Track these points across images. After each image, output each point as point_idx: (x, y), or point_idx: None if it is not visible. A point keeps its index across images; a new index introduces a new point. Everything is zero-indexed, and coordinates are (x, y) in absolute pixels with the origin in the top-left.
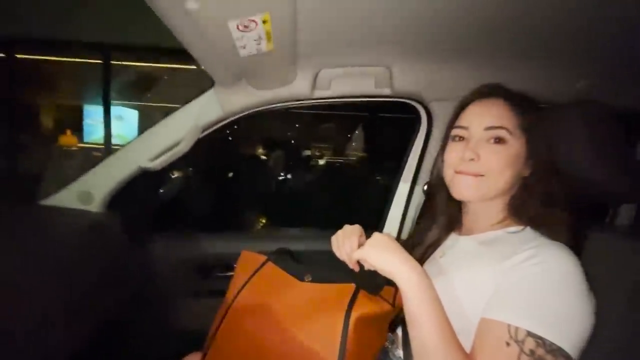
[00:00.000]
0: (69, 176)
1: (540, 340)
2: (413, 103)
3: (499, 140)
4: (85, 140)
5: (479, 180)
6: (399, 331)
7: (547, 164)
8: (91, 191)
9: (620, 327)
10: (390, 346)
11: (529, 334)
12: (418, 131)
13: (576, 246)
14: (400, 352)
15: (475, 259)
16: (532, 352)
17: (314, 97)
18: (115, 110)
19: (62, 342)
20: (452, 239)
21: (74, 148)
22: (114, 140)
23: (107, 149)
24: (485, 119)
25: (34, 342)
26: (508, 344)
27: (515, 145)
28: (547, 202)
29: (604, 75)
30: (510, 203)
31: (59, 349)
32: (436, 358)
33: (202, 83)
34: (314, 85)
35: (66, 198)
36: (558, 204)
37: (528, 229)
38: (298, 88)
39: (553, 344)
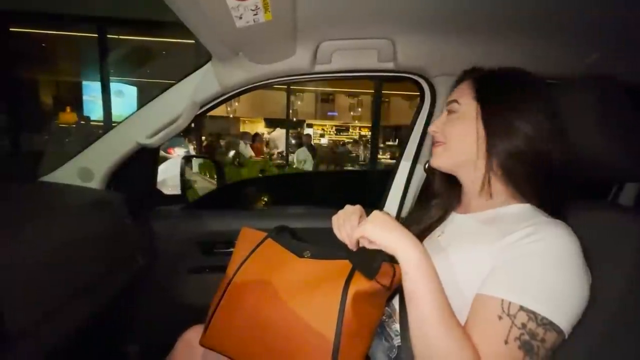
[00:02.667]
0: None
1: (532, 315)
2: (417, 78)
3: (450, 111)
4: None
5: (442, 147)
6: (395, 303)
7: (507, 131)
8: (91, 167)
9: (618, 302)
10: (387, 320)
11: (522, 308)
12: (421, 108)
13: (573, 221)
14: (397, 327)
15: (474, 237)
16: (523, 326)
17: (315, 71)
18: (114, 86)
19: (66, 319)
20: (452, 217)
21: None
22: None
23: (107, 125)
24: (450, 96)
25: (37, 321)
26: (500, 317)
27: (465, 111)
28: (546, 181)
29: (615, 49)
30: (508, 181)
31: (62, 326)
32: (435, 336)
33: (202, 59)
34: (314, 60)
35: (66, 175)
36: (558, 182)
37: (528, 206)
38: (298, 62)
39: (545, 318)
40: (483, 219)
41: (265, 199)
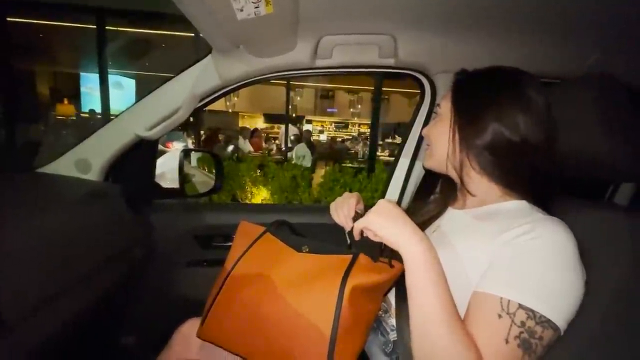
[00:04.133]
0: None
1: (531, 312)
2: (417, 75)
3: (434, 116)
4: (84, 109)
5: (428, 150)
6: (392, 298)
7: (476, 127)
8: (89, 159)
9: (612, 300)
10: (383, 315)
11: (521, 306)
12: (421, 105)
13: (569, 219)
14: (393, 321)
15: (470, 233)
16: (522, 324)
17: (315, 66)
18: (112, 78)
19: (62, 309)
20: (448, 213)
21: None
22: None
23: (105, 117)
24: None
25: (33, 311)
26: (500, 316)
27: (443, 115)
28: (530, 174)
29: (616, 49)
30: (491, 177)
31: (58, 317)
32: (438, 335)
33: (201, 52)
34: (315, 54)
35: (64, 166)
36: (544, 176)
37: (524, 203)
38: (298, 56)
39: (543, 316)
40: (478, 214)
41: None
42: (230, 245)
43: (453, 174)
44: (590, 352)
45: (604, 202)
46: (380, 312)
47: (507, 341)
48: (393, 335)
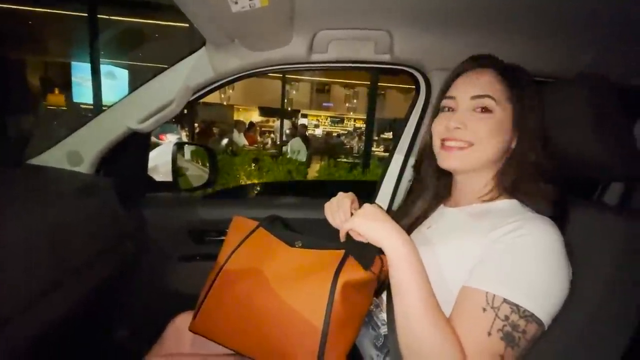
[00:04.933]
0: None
1: (515, 307)
2: (412, 71)
3: (485, 109)
4: (75, 100)
5: (466, 151)
6: (384, 296)
7: (534, 136)
8: (80, 151)
9: (597, 298)
10: (374, 309)
11: (505, 301)
12: (416, 101)
13: (561, 219)
14: (384, 316)
15: (462, 230)
16: (506, 318)
17: (311, 61)
18: (105, 68)
19: (55, 305)
20: (440, 210)
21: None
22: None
23: (97, 108)
24: (472, 88)
25: (24, 305)
26: (484, 309)
27: (501, 114)
28: (534, 176)
29: (609, 49)
30: (497, 176)
31: (50, 310)
32: (420, 328)
33: (196, 43)
34: (310, 49)
35: (54, 158)
36: (546, 178)
37: (515, 201)
38: (294, 50)
39: (527, 310)
40: (472, 213)
41: None
42: (223, 240)
43: (474, 175)
44: (577, 348)
45: (594, 201)
46: (372, 307)
47: (489, 334)
48: (384, 330)
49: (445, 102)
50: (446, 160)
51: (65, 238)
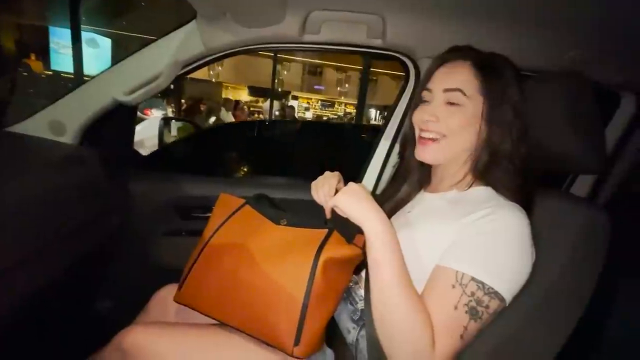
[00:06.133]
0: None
1: (481, 284)
2: (403, 58)
3: (455, 103)
4: (53, 67)
5: (439, 143)
6: (364, 273)
7: (507, 128)
8: (63, 121)
9: (554, 279)
10: (353, 286)
11: (473, 279)
12: (405, 88)
13: (529, 207)
14: (362, 292)
15: (439, 215)
16: (472, 294)
17: (303, 41)
18: (86, 35)
19: (33, 276)
20: (420, 195)
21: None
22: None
23: (78, 76)
24: (445, 81)
25: (6, 280)
26: (453, 286)
27: (472, 108)
28: (507, 166)
29: (588, 49)
30: (474, 165)
31: (29, 283)
32: (393, 302)
33: (184, 15)
34: (303, 29)
35: (36, 126)
36: (519, 168)
37: (490, 189)
38: (286, 29)
39: (491, 287)
40: (449, 199)
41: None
42: (209, 217)
43: (449, 165)
44: (533, 320)
45: (561, 191)
46: (351, 284)
47: (456, 307)
48: (361, 305)
49: (423, 94)
50: (421, 153)
51: (46, 208)
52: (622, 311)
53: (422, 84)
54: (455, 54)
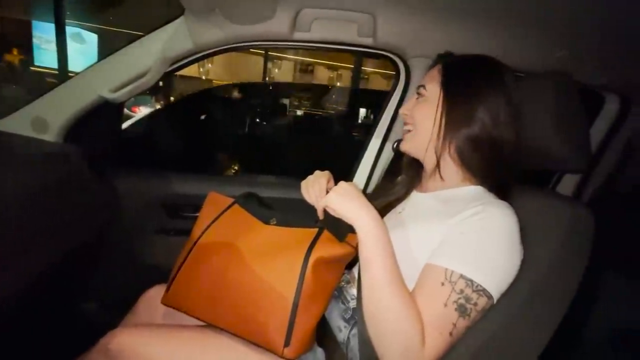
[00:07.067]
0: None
1: (470, 282)
2: (393, 57)
3: (418, 95)
4: (36, 63)
5: (409, 134)
6: (355, 271)
7: (470, 115)
8: (46, 118)
9: (541, 277)
10: (345, 285)
11: (462, 276)
12: (395, 87)
13: (516, 204)
14: (354, 291)
15: (430, 214)
16: (461, 291)
17: (293, 39)
18: (71, 29)
19: (16, 275)
20: (412, 195)
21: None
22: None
23: (62, 73)
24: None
25: None
26: (443, 284)
27: (430, 99)
28: (497, 165)
29: (576, 50)
30: (461, 164)
31: (11, 283)
32: (382, 297)
33: (173, 10)
34: (293, 26)
35: (17, 123)
36: (507, 167)
37: (480, 187)
38: (277, 26)
39: (480, 285)
40: (439, 198)
41: None
42: (198, 216)
43: (428, 158)
44: (519, 317)
45: (548, 190)
46: (343, 283)
47: (445, 305)
48: (353, 304)
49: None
50: (402, 144)
51: (28, 207)
52: (604, 308)
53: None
54: (439, 58)
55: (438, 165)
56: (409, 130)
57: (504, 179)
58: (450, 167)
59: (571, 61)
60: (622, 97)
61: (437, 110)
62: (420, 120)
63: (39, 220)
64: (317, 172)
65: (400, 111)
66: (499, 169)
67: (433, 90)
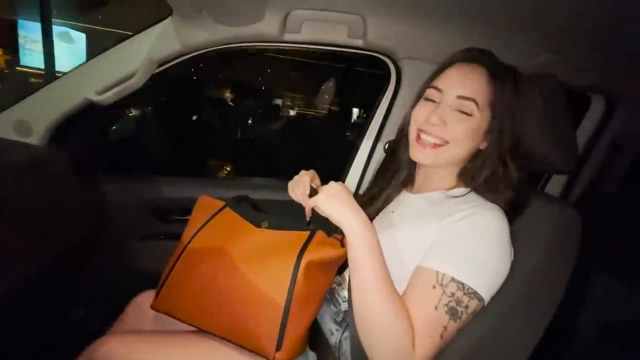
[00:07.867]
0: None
1: (461, 285)
2: (384, 58)
3: (465, 112)
4: (23, 63)
5: (440, 149)
6: (347, 274)
7: (503, 140)
8: (29, 121)
9: (530, 276)
10: (337, 287)
11: (453, 279)
12: (386, 89)
13: (512, 213)
14: (345, 293)
15: (421, 216)
16: (452, 294)
17: (283, 40)
18: (58, 29)
19: (2, 285)
20: (403, 195)
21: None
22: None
23: (48, 73)
24: (460, 87)
25: None
26: (434, 287)
27: (480, 119)
28: (496, 176)
29: (563, 52)
30: (461, 170)
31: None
32: (372, 300)
33: (163, 11)
34: (283, 27)
35: None
36: (505, 177)
37: (471, 192)
38: (266, 28)
39: (471, 288)
40: (431, 200)
41: None
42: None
43: (441, 168)
44: (510, 318)
45: (537, 191)
46: (334, 285)
47: (436, 308)
48: (344, 306)
49: (430, 93)
50: (418, 155)
51: (10, 213)
52: (592, 306)
53: (429, 80)
54: (470, 54)
55: (439, 169)
56: (439, 145)
57: (499, 183)
58: (448, 171)
59: (557, 63)
60: (608, 98)
61: (484, 135)
62: (462, 138)
63: (23, 227)
64: (302, 172)
65: (434, 119)
66: (496, 186)
67: (483, 111)
